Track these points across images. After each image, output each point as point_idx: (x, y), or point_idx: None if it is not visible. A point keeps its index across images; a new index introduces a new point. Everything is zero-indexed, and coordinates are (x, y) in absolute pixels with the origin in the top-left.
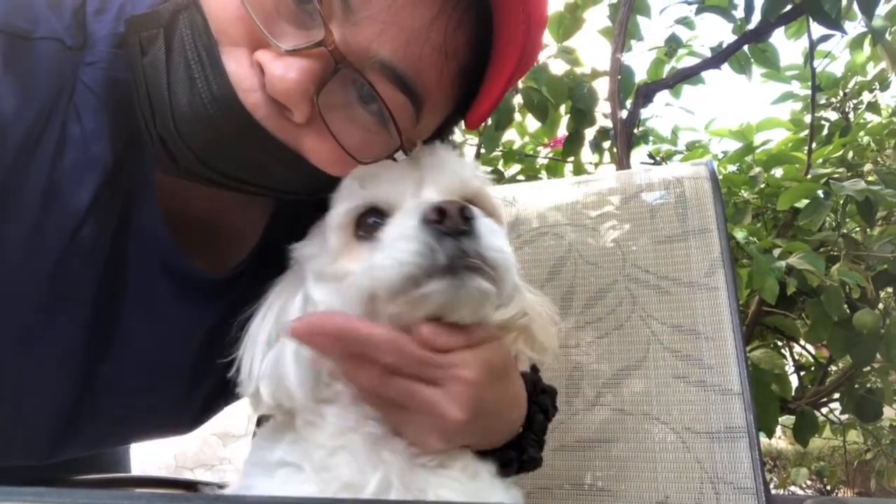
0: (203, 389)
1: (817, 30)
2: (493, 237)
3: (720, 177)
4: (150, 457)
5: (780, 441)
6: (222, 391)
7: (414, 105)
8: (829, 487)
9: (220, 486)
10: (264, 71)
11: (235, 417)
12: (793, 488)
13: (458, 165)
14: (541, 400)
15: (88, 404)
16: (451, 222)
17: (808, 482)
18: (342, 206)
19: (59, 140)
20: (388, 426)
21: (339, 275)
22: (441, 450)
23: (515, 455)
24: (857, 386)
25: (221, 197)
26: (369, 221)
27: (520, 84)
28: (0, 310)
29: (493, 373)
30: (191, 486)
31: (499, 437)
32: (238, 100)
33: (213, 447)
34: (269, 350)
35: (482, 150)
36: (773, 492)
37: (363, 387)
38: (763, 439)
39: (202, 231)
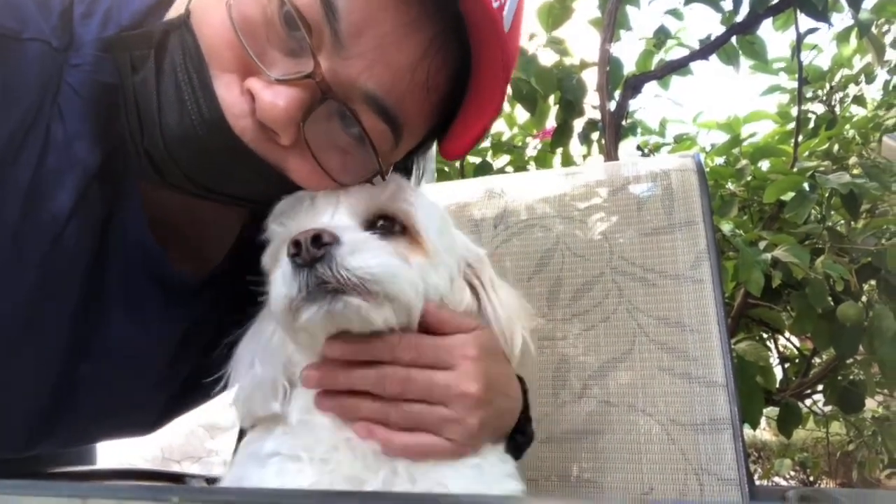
0: (173, 389)
1: (805, 22)
2: (355, 256)
3: (707, 169)
4: (136, 449)
5: (764, 432)
6: (190, 392)
7: (393, 133)
8: (811, 478)
9: (208, 479)
10: (255, 98)
11: (222, 410)
12: (776, 479)
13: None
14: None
15: (66, 402)
16: (305, 253)
17: (792, 473)
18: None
19: (43, 142)
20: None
21: None
22: (463, 446)
23: (521, 437)
24: (840, 378)
25: (199, 201)
26: None
27: None
28: None
29: (489, 352)
30: (178, 478)
31: (509, 420)
32: (227, 123)
33: (201, 439)
34: (250, 369)
35: None
36: (757, 482)
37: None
38: (747, 431)
39: (180, 231)
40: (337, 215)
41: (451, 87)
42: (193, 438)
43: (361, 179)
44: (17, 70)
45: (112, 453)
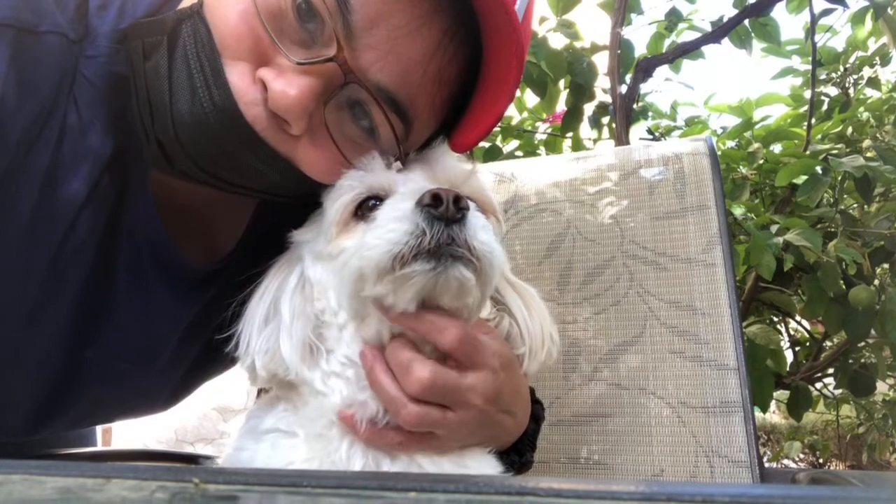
0: (179, 373)
1: (819, 4)
2: (482, 231)
3: (719, 153)
4: (150, 431)
5: (774, 415)
6: (197, 374)
7: (404, 125)
8: (821, 461)
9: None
10: (267, 87)
11: (234, 392)
12: (786, 461)
13: (451, 162)
14: (535, 409)
15: (71, 387)
16: (445, 208)
17: (801, 455)
18: (344, 193)
19: (59, 132)
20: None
21: (335, 253)
22: (446, 443)
23: (517, 458)
24: (850, 361)
25: (210, 191)
26: (369, 204)
27: None
28: None
29: (508, 363)
30: (192, 459)
31: (506, 436)
32: (239, 111)
33: (213, 421)
34: (265, 327)
35: None
36: (767, 465)
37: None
38: (757, 413)
39: (190, 221)
40: (418, 180)
41: (463, 80)
42: (206, 421)
43: None
44: (34, 63)
45: (126, 435)
